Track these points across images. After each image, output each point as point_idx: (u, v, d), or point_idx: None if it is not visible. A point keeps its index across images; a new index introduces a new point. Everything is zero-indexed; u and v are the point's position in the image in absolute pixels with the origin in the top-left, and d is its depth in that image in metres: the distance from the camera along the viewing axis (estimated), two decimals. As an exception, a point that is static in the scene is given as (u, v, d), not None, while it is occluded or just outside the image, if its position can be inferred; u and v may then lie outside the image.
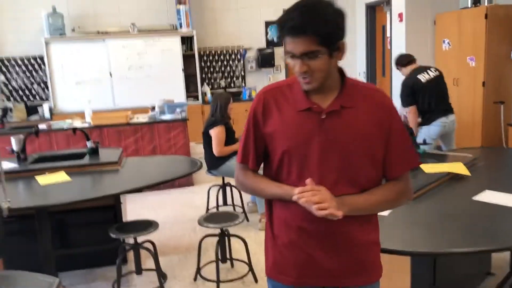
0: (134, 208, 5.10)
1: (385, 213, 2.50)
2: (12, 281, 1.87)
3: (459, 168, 3.08)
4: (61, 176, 3.60)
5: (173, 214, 5.14)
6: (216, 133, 4.40)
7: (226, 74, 8.39)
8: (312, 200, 1.43)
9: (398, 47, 7.19)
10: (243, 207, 4.88)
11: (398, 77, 5.56)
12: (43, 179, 3.54)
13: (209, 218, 3.46)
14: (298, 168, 1.56)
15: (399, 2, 7.03)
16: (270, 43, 8.44)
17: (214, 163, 4.55)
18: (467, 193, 2.75)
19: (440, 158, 3.47)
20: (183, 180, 6.18)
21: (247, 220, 4.75)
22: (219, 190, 4.87)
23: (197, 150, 6.11)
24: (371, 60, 8.34)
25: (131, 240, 3.44)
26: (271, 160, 1.63)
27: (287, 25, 1.43)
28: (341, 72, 1.58)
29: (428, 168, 3.10)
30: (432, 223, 2.39)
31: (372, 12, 8.21)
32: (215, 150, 4.43)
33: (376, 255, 1.67)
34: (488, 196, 2.66)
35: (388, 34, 7.64)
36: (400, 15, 7.02)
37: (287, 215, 1.59)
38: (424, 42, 7.03)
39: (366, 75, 8.40)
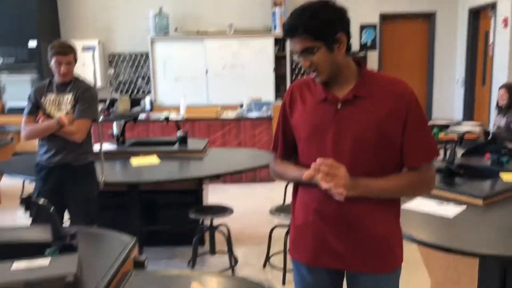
0: (216, 198, 5.39)
1: (451, 214, 2.48)
2: (97, 236, 2.17)
3: (543, 179, 2.92)
4: (153, 159, 3.97)
5: (251, 206, 5.37)
6: None
7: (316, 76, 8.50)
8: (322, 170, 1.52)
9: (501, 55, 6.79)
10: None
11: (498, 88, 5.25)
12: (136, 161, 3.93)
13: (280, 209, 3.61)
14: (316, 155, 1.64)
15: (505, 6, 6.64)
16: (363, 47, 8.38)
17: None
18: (548, 204, 2.61)
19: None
20: (265, 175, 6.41)
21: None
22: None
23: (281, 147, 6.28)
24: (471, 67, 7.94)
25: (208, 223, 3.70)
26: (298, 147, 1.76)
27: (284, 29, 1.61)
28: (359, 64, 1.69)
29: (508, 176, 2.98)
30: (504, 228, 2.33)
31: (475, 17, 7.82)
32: None
33: (389, 246, 1.70)
34: None
35: (491, 41, 7.24)
36: (505, 20, 6.62)
37: (307, 198, 1.71)
38: (531, 50, 6.57)
39: (464, 83, 8.01)
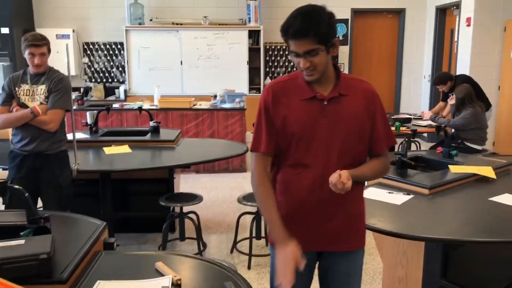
0: (188, 187, 5.57)
1: (399, 202, 2.71)
2: (69, 220, 2.32)
3: (486, 171, 3.18)
4: (125, 149, 4.10)
5: (222, 195, 5.55)
6: None
7: (289, 69, 8.68)
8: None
9: (464, 52, 7.10)
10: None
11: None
12: (109, 150, 4.06)
13: (247, 197, 3.80)
14: (304, 148, 1.82)
15: (468, 6, 6.94)
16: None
17: None
18: (487, 194, 2.87)
19: (473, 160, 3.56)
20: (237, 166, 6.60)
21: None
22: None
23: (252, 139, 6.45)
24: (437, 64, 8.26)
25: (178, 210, 3.87)
26: (281, 145, 1.84)
27: (291, 30, 1.72)
28: (335, 67, 1.89)
29: (456, 168, 3.23)
30: (447, 215, 2.56)
31: (442, 15, 8.12)
32: None
33: (363, 224, 1.94)
34: (506, 198, 2.77)
35: (456, 38, 7.55)
36: (468, 20, 6.93)
37: (288, 189, 1.85)
38: (492, 49, 6.89)
39: (431, 78, 8.33)
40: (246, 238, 4.06)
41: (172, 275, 1.79)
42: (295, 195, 1.85)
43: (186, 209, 3.94)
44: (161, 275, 1.81)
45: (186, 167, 4.02)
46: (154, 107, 6.42)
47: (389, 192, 2.88)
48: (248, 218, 4.43)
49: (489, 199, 2.77)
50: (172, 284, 1.74)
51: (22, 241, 1.75)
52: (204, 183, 6.04)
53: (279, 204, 1.87)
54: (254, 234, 3.88)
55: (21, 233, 1.87)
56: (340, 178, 1.71)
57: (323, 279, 1.97)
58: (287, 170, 1.87)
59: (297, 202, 1.85)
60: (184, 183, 5.69)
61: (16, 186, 2.08)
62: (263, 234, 4.10)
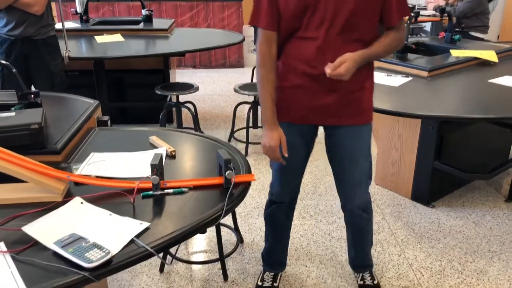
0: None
1: (396, 84, 2.66)
2: (62, 99, 2.29)
3: (489, 55, 3.10)
4: (117, 37, 3.97)
5: (219, 89, 5.50)
6: None
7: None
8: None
9: None
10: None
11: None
12: (101, 38, 3.92)
13: (244, 87, 3.75)
14: (307, 19, 1.70)
15: None
16: None
17: None
18: (487, 76, 2.82)
19: (476, 46, 3.45)
20: (234, 61, 6.47)
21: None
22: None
23: (249, 33, 6.25)
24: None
25: (175, 99, 3.84)
26: (282, 16, 1.73)
27: None
28: None
29: (457, 53, 3.14)
30: (444, 95, 2.53)
31: None
32: None
33: (369, 100, 1.88)
34: (505, 80, 2.72)
35: None
36: None
37: (295, 62, 1.77)
38: None
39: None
40: (243, 128, 4.08)
41: (167, 147, 1.80)
42: (297, 67, 1.78)
43: (182, 98, 3.91)
44: (155, 147, 1.82)
45: (181, 55, 3.91)
46: (146, -2, 6.12)
47: (387, 75, 2.82)
48: (245, 108, 4.43)
49: (489, 81, 2.73)
50: (167, 155, 1.75)
51: (12, 114, 1.73)
52: (201, 78, 5.96)
53: (285, 76, 1.82)
54: (251, 124, 3.89)
55: (12, 108, 1.85)
56: (335, 69, 1.64)
57: (331, 153, 1.97)
58: (291, 42, 1.77)
59: (299, 74, 1.79)
60: (180, 78, 5.60)
61: (4, 62, 2.02)
62: (259, 124, 4.12)
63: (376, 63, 2.85)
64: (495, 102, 2.45)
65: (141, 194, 1.46)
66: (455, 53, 3.13)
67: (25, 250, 1.20)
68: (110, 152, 1.76)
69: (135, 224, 1.31)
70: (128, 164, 1.67)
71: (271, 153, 1.82)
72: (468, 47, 3.35)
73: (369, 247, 2.22)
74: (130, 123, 4.35)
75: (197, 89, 3.75)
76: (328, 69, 1.66)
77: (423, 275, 2.36)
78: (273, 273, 2.29)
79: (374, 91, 1.90)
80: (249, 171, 1.65)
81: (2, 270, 1.12)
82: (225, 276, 2.34)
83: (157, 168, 1.46)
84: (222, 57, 6.46)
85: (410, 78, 2.76)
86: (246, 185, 1.54)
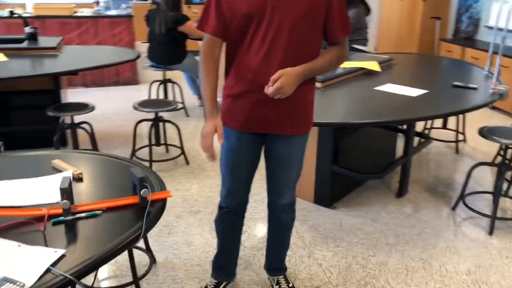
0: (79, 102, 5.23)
1: (295, 95, 2.81)
2: None
3: (372, 65, 3.40)
4: (0, 57, 3.68)
5: (115, 108, 5.32)
6: (191, 25, 4.54)
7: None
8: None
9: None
10: (183, 102, 5.13)
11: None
12: (-20, 59, 3.61)
13: (144, 104, 3.68)
14: (252, 31, 1.77)
15: None
16: None
17: (180, 57, 4.72)
18: (372, 85, 3.10)
19: (361, 57, 3.77)
20: (129, 78, 6.31)
21: (187, 115, 5.02)
22: (159, 85, 5.06)
23: (142, 49, 6.15)
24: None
25: (68, 120, 3.64)
26: (229, 27, 1.81)
27: None
28: None
29: (344, 64, 3.40)
30: (337, 104, 2.72)
31: None
32: (202, 35, 4.68)
33: (310, 112, 1.97)
34: (388, 87, 3.01)
35: None
36: None
37: (242, 71, 1.84)
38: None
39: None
40: (145, 146, 4.00)
41: (72, 169, 1.71)
42: (244, 77, 1.85)
43: (77, 119, 3.72)
44: (59, 171, 1.73)
45: (73, 74, 3.70)
46: (28, 15, 5.74)
47: (285, 87, 2.97)
48: (145, 126, 4.36)
49: (374, 88, 3.00)
50: (74, 178, 1.67)
51: None
52: (94, 97, 5.72)
53: (233, 85, 1.89)
54: (153, 141, 3.83)
55: None
56: (273, 88, 1.71)
57: (268, 160, 2.06)
58: (239, 53, 1.84)
59: (245, 83, 1.86)
60: (72, 98, 5.33)
61: None
62: (162, 141, 4.07)
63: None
64: (381, 107, 2.70)
65: (51, 221, 1.38)
66: (343, 64, 3.38)
67: None
68: (10, 180, 1.63)
69: (49, 252, 1.23)
70: (32, 191, 1.56)
71: (203, 141, 1.83)
72: (353, 58, 3.64)
73: (286, 250, 2.31)
74: (20, 148, 4.04)
75: (92, 108, 3.60)
76: (268, 91, 1.72)
77: (332, 273, 2.50)
78: (216, 281, 2.29)
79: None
80: (163, 187, 1.64)
81: None
82: (141, 300, 2.27)
83: (67, 192, 1.39)
84: (115, 74, 6.27)
85: (306, 89, 2.93)
86: (163, 203, 1.53)
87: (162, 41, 4.63)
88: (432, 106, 2.72)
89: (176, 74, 5.29)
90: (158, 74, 6.35)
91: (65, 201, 1.38)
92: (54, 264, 1.18)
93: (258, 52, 1.79)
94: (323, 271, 2.52)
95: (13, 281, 1.09)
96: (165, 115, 3.71)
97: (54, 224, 1.37)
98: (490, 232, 2.88)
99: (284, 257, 2.34)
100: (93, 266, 1.21)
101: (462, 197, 3.15)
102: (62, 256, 1.22)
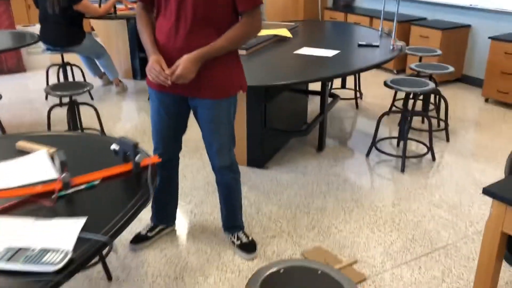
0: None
1: (225, 63, 2.93)
2: None
3: (283, 32, 3.63)
4: None
5: (6, 99, 4.91)
6: (86, 3, 4.35)
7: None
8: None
9: None
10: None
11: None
12: None
13: (57, 87, 3.49)
14: (164, 5, 1.95)
15: None
16: None
17: (79, 37, 4.46)
18: (290, 49, 3.33)
19: (268, 26, 3.98)
20: (13, 66, 5.82)
21: (91, 98, 4.83)
22: (59, 69, 4.78)
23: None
24: None
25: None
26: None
27: None
28: None
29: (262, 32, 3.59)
30: (263, 68, 2.90)
31: None
32: (99, 13, 4.59)
33: (230, 78, 2.07)
34: (305, 50, 3.27)
35: None
36: None
37: (158, 37, 2.00)
38: None
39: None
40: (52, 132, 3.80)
41: (46, 149, 1.67)
42: (159, 40, 2.00)
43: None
44: (28, 153, 1.67)
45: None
46: None
47: (212, 56, 3.06)
48: (61, 110, 4.14)
49: (294, 52, 3.23)
50: (51, 157, 1.63)
51: None
52: (-21, 89, 5.20)
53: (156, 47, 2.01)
54: (71, 126, 3.67)
55: None
56: (174, 77, 1.89)
57: (198, 123, 2.19)
58: (159, 17, 2.01)
59: (160, 47, 1.99)
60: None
61: None
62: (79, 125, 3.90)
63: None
64: (306, 67, 2.94)
65: (52, 196, 1.37)
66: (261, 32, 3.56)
67: (-45, 279, 1.04)
68: (-19, 166, 1.55)
69: (70, 222, 1.24)
70: (18, 172, 1.50)
71: (151, 70, 1.91)
72: (264, 27, 3.84)
73: (239, 209, 2.46)
74: None
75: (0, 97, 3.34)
76: (169, 80, 1.90)
77: (281, 223, 2.72)
78: (152, 224, 2.56)
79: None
80: (146, 154, 1.68)
81: None
82: (109, 276, 2.27)
83: (66, 165, 1.38)
84: (-3, 63, 5.73)
85: (232, 57, 3.06)
86: (153, 168, 1.58)
87: (57, 21, 4.36)
88: (349, 63, 3.03)
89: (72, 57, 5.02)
90: (45, 59, 5.95)
91: (66, 174, 1.37)
92: (82, 231, 1.20)
93: (170, 18, 1.95)
94: (274, 222, 2.73)
95: (54, 250, 1.10)
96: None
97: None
98: (402, 170, 3.34)
99: (238, 215, 2.49)
100: (119, 228, 1.25)
101: (374, 143, 3.57)
102: (85, 224, 1.24)
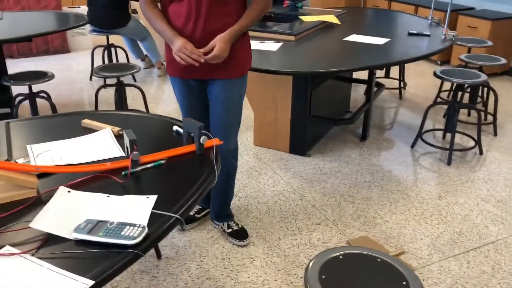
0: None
1: (274, 48, 2.92)
2: None
3: (331, 18, 3.59)
4: None
5: (54, 79, 5.03)
6: None
7: None
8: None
9: None
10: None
11: None
12: None
13: (105, 69, 3.57)
14: None
15: None
16: None
17: (124, 20, 4.53)
18: (340, 36, 3.29)
19: (316, 12, 3.94)
20: (58, 46, 5.95)
21: (134, 80, 4.91)
22: (104, 50, 4.87)
23: (72, 14, 5.80)
24: None
25: (24, 91, 3.43)
26: None
27: None
28: None
29: (307, 18, 3.56)
30: (310, 55, 2.87)
31: None
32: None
33: (242, 56, 2.10)
34: (355, 38, 3.22)
35: None
36: None
37: (174, 22, 1.99)
38: None
39: None
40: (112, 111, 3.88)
41: (110, 127, 1.71)
42: (177, 25, 1.99)
43: (35, 88, 3.52)
44: (94, 131, 1.71)
45: (27, 40, 3.45)
46: None
47: (261, 42, 3.06)
48: (109, 90, 4.22)
49: (344, 39, 3.19)
50: (115, 135, 1.67)
51: None
52: (28, 68, 5.35)
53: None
54: (118, 106, 3.74)
55: None
56: (210, 57, 1.91)
57: (209, 100, 2.20)
58: (172, 4, 1.99)
59: (179, 31, 1.99)
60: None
61: None
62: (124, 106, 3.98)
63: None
64: (358, 55, 2.90)
65: (122, 173, 1.41)
66: (306, 19, 3.54)
67: (42, 247, 1.09)
68: (48, 142, 1.60)
69: (142, 199, 1.27)
70: (79, 150, 1.55)
71: (185, 51, 1.90)
72: (311, 13, 3.80)
73: (231, 197, 2.47)
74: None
75: (52, 76, 3.43)
76: (202, 59, 1.91)
77: (327, 211, 2.72)
78: (200, 207, 2.61)
79: (257, 55, 2.13)
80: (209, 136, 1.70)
81: (34, 271, 1.00)
82: (158, 254, 2.33)
83: (136, 143, 1.41)
84: (44, 43, 5.88)
85: (281, 43, 3.05)
86: (216, 150, 1.60)
87: (104, 3, 4.43)
88: (400, 51, 2.97)
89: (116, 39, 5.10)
90: (88, 40, 6.07)
91: (136, 152, 1.41)
92: (154, 208, 1.23)
93: (185, 4, 1.94)
94: (318, 210, 2.73)
95: (131, 224, 1.14)
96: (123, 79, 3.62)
97: (125, 176, 1.40)
98: (449, 163, 3.28)
99: (229, 206, 2.51)
100: (189, 206, 1.28)
101: (420, 135, 3.51)
102: (156, 201, 1.27)
